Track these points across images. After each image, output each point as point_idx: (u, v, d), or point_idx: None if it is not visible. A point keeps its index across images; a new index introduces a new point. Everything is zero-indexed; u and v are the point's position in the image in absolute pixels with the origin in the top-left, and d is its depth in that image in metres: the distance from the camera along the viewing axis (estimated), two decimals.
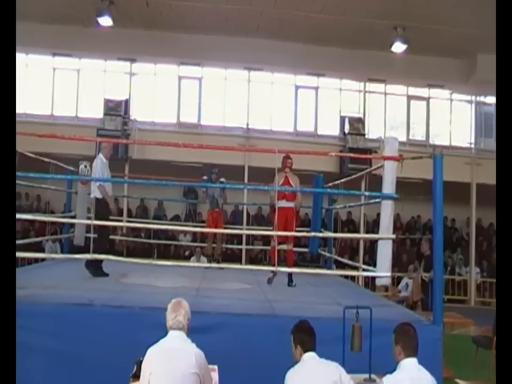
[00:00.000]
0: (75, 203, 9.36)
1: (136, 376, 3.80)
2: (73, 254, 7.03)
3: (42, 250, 12.82)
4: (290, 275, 7.57)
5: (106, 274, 7.23)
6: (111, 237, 12.76)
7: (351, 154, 12.02)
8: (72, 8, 13.56)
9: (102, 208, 7.13)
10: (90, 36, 14.19)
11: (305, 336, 3.80)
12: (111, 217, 7.30)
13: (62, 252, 11.00)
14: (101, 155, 7.35)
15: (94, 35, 14.14)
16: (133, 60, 15.76)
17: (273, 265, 6.48)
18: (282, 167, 7.70)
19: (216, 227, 9.51)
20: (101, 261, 6.96)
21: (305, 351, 3.75)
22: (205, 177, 9.68)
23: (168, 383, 3.46)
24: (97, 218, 6.78)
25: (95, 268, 7.15)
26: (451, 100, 16.86)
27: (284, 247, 7.80)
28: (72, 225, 9.62)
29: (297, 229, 12.65)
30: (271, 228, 7.74)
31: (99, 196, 7.17)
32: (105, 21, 13.50)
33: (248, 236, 14.27)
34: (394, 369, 3.66)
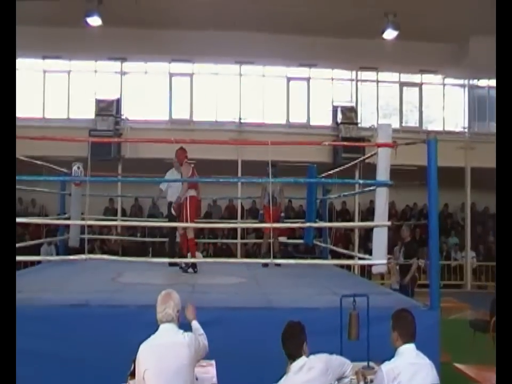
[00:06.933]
0: (69, 205, 9.32)
1: (134, 374, 3.79)
2: (68, 256, 6.99)
3: (38, 253, 12.74)
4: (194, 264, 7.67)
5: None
6: (105, 236, 12.73)
7: (345, 143, 11.91)
8: (60, 9, 13.43)
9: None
10: (80, 37, 14.08)
11: (291, 344, 3.50)
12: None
13: (58, 254, 10.94)
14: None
15: (83, 36, 14.04)
16: (123, 59, 15.69)
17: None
18: (181, 159, 7.96)
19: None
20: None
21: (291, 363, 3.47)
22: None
23: (162, 379, 3.47)
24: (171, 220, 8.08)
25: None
26: (444, 85, 16.82)
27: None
28: (67, 227, 9.59)
29: (291, 220, 12.59)
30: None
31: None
32: (94, 21, 13.43)
33: (242, 229, 14.27)
34: (392, 356, 3.64)
